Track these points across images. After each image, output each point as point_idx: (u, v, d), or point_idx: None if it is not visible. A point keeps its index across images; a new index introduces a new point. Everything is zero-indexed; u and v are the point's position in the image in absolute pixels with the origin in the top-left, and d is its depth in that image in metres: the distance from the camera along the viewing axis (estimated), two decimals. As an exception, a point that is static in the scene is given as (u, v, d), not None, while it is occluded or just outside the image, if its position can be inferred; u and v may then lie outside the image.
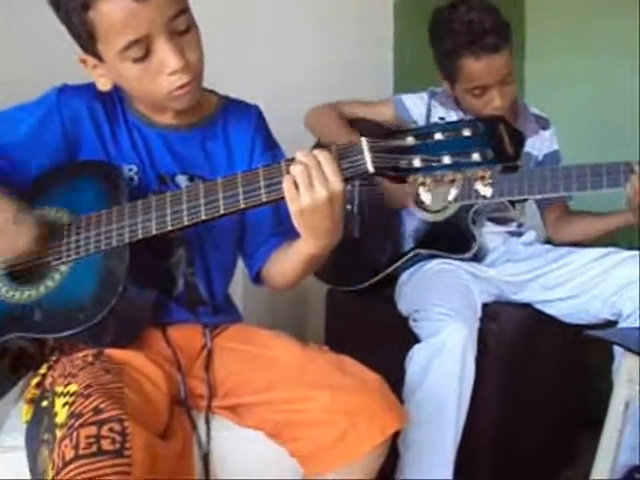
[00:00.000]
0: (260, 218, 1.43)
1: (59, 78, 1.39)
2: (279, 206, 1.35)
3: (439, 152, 1.09)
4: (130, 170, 1.38)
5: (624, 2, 2.70)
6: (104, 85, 1.33)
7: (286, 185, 1.15)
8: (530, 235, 2.13)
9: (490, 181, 1.10)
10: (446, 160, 1.09)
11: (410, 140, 1.11)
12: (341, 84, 2.15)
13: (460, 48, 1.87)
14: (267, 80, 2.18)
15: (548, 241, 2.15)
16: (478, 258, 2.01)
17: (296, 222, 1.19)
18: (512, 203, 2.01)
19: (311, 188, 1.13)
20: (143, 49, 1.23)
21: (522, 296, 2.00)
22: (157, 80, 1.26)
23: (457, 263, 1.97)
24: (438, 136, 1.10)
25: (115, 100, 1.40)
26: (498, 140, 1.08)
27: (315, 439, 1.24)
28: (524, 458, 2.00)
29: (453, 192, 1.13)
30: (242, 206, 1.18)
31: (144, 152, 1.39)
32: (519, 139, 1.09)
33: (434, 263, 1.98)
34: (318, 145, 2.04)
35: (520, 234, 2.12)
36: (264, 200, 1.17)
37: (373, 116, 2.10)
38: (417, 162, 1.10)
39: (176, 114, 1.39)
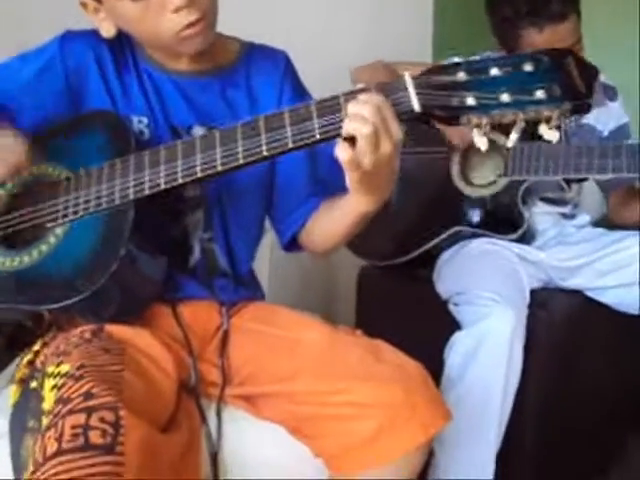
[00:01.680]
0: (293, 175, 1.33)
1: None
2: (316, 160, 1.31)
3: (496, 89, 0.97)
4: (140, 122, 1.27)
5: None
6: (107, 31, 1.24)
7: (341, 147, 1.01)
8: (583, 218, 2.02)
9: (557, 123, 0.96)
10: (504, 98, 0.96)
11: (462, 75, 0.99)
12: (380, 51, 2.05)
13: (520, 17, 1.76)
14: (305, 49, 2.11)
15: (598, 224, 2.06)
16: (526, 240, 1.91)
17: (353, 184, 1.07)
18: (568, 182, 1.90)
19: (377, 148, 1.01)
20: None
21: (573, 282, 1.90)
22: (161, 20, 1.16)
23: (504, 244, 1.87)
24: (494, 71, 0.98)
25: (125, 45, 1.30)
26: (566, 75, 0.96)
27: (344, 436, 1.11)
28: (570, 456, 1.91)
29: (514, 137, 0.98)
30: (290, 145, 1.05)
31: (156, 102, 1.29)
32: (592, 74, 0.97)
33: (478, 242, 1.88)
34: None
35: (572, 216, 2.02)
36: (290, 146, 1.05)
37: None
38: (471, 100, 0.97)
39: (192, 60, 1.28)
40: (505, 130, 0.99)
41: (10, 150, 1.14)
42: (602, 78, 1.95)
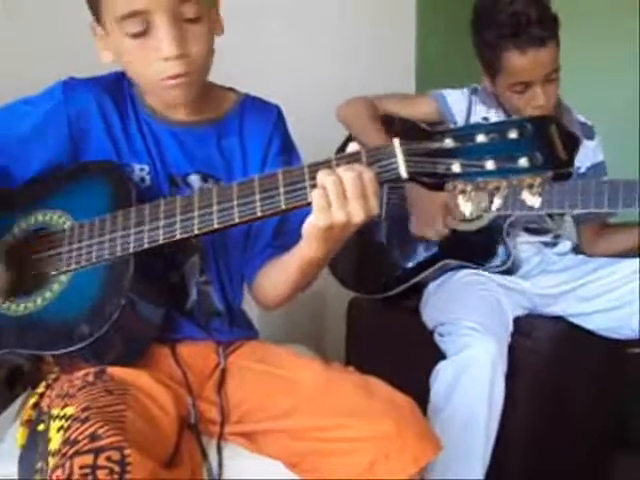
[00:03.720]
0: (262, 226, 1.33)
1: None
2: (282, 218, 1.29)
3: (482, 156, 0.98)
4: (142, 170, 1.30)
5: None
6: (105, 58, 1.27)
7: (317, 194, 1.03)
8: (565, 245, 2.03)
9: (539, 190, 0.98)
10: (489, 165, 0.97)
11: (449, 142, 0.99)
12: (362, 81, 2.08)
13: (503, 40, 1.77)
14: (286, 78, 2.15)
15: (579, 251, 2.06)
16: (511, 270, 1.92)
17: (313, 233, 1.08)
18: (550, 215, 1.93)
19: (345, 206, 1.02)
20: (142, 25, 1.17)
21: (557, 309, 1.91)
22: (150, 63, 1.20)
23: (488, 275, 1.89)
24: (481, 138, 0.99)
25: (125, 94, 1.32)
26: (549, 143, 0.97)
27: (341, 469, 1.13)
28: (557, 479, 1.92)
29: (497, 202, 1.01)
30: (259, 214, 1.07)
31: (155, 150, 1.31)
32: (573, 142, 0.98)
33: (463, 274, 1.89)
34: (349, 139, 1.94)
35: (554, 244, 2.03)
36: (283, 207, 1.06)
37: (410, 112, 1.99)
38: (456, 167, 0.98)
39: (190, 110, 1.31)
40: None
41: None
42: (579, 117, 1.98)
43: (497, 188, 0.99)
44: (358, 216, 1.03)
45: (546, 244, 2.01)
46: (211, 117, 1.34)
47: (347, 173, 1.02)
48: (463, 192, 1.00)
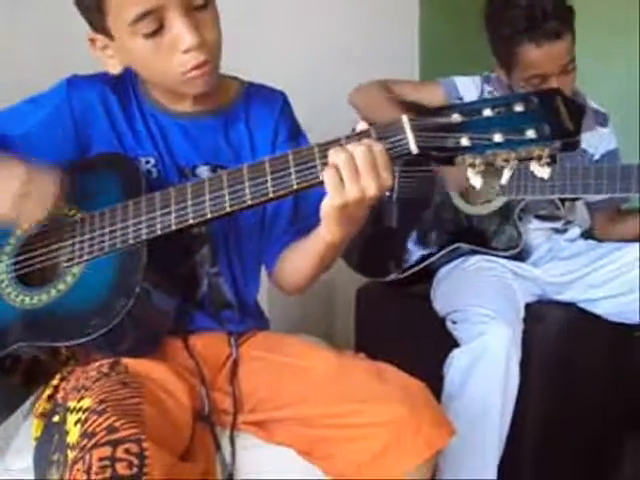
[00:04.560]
0: (278, 212, 1.34)
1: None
2: (299, 201, 1.32)
3: (489, 129, 0.99)
4: (147, 162, 1.29)
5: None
6: (114, 67, 1.25)
7: (329, 173, 1.04)
8: (574, 231, 2.03)
9: (548, 160, 0.99)
10: (497, 138, 0.99)
11: (456, 117, 1.01)
12: (366, 71, 2.03)
13: (519, 34, 1.77)
14: (289, 68, 2.12)
15: (589, 236, 2.07)
16: (522, 256, 1.92)
17: (329, 212, 1.08)
18: (562, 201, 1.92)
19: (357, 181, 1.03)
20: (156, 23, 1.14)
21: (567, 295, 1.91)
22: (170, 59, 1.17)
23: (499, 260, 1.89)
24: (487, 112, 1.01)
25: (129, 88, 1.32)
26: (555, 114, 0.98)
27: (354, 455, 1.13)
28: (570, 463, 1.92)
29: (506, 174, 1.02)
30: (271, 195, 1.08)
31: (162, 142, 1.31)
32: (579, 112, 0.99)
33: (474, 259, 1.90)
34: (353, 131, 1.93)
35: (564, 230, 2.03)
36: (295, 187, 1.07)
37: (422, 97, 1.98)
38: (465, 141, 0.99)
39: (195, 101, 1.30)
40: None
41: (50, 183, 1.15)
42: (593, 104, 1.98)
43: (506, 160, 1.00)
44: (371, 190, 1.03)
45: (556, 230, 2.02)
46: (217, 107, 1.33)
47: (357, 148, 1.03)
48: (472, 165, 1.01)
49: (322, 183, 1.05)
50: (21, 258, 1.22)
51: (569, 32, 1.79)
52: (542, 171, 1.00)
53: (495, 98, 1.02)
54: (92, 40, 1.23)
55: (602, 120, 1.99)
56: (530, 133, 0.98)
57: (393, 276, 2.02)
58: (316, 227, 1.18)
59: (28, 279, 1.21)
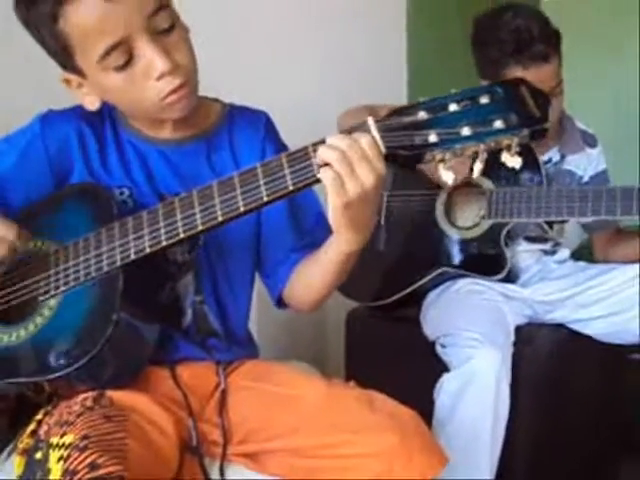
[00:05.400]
0: (278, 231, 1.32)
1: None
2: (300, 214, 1.31)
3: (457, 124, 0.99)
4: (122, 194, 1.27)
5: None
6: (92, 104, 1.24)
7: (327, 175, 1.02)
8: (564, 253, 2.03)
9: (517, 149, 0.99)
10: (465, 131, 0.98)
11: (422, 115, 1.00)
12: (353, 92, 2.06)
13: (505, 57, 1.80)
14: (275, 90, 2.11)
15: (579, 257, 2.08)
16: (510, 279, 1.92)
17: (337, 216, 1.06)
18: (549, 224, 1.92)
19: (354, 176, 1.02)
20: (124, 55, 1.13)
21: (557, 315, 1.91)
22: (145, 88, 1.16)
23: (488, 283, 1.88)
24: (453, 107, 1.00)
25: (105, 119, 1.30)
26: (521, 103, 0.99)
27: None
28: None
29: (478, 167, 1.01)
30: (265, 199, 1.06)
31: (141, 170, 1.29)
32: (545, 100, 0.99)
33: (463, 283, 1.89)
34: None
35: (553, 252, 2.03)
36: (291, 188, 1.05)
37: None
38: (433, 137, 0.99)
39: (176, 126, 1.28)
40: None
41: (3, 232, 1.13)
42: (581, 125, 2.00)
43: (476, 153, 1.00)
44: (368, 180, 1.02)
45: (545, 252, 2.01)
46: (199, 132, 1.31)
47: (344, 141, 1.02)
48: (442, 161, 1.00)
49: (318, 181, 1.04)
50: None
51: (556, 55, 1.81)
52: (513, 160, 0.99)
53: (460, 92, 1.01)
54: (67, 80, 1.22)
55: (591, 141, 2.01)
56: (498, 124, 0.97)
57: (381, 301, 2.01)
58: (323, 241, 1.17)
59: (6, 316, 1.19)
